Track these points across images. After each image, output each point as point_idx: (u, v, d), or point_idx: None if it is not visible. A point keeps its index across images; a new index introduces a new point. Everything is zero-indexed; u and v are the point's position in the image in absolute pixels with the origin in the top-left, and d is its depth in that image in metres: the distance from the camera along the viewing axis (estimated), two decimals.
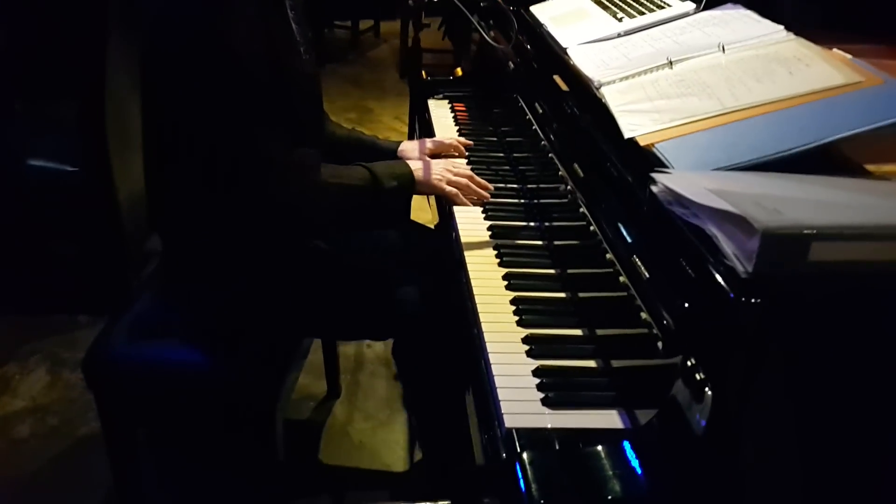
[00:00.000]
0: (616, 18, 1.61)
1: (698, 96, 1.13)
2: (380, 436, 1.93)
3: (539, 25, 1.68)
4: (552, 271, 1.26)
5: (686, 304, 0.76)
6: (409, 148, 1.67)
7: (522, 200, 1.51)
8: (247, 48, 1.16)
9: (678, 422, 0.77)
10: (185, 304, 1.37)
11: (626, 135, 1.09)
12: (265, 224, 1.26)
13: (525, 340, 1.07)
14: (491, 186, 1.49)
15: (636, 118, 1.13)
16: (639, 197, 0.98)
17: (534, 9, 1.79)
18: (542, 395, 0.96)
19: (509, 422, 0.91)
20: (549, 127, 1.37)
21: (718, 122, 1.05)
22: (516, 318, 1.12)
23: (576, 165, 1.17)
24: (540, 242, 1.35)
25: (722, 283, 0.70)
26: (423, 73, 2.19)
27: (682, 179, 0.87)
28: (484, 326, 1.10)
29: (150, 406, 1.41)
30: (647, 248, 0.91)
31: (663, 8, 1.54)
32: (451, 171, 1.48)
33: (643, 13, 1.55)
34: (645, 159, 1.04)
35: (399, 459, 1.86)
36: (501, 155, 1.71)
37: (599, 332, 1.09)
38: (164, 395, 1.37)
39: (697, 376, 0.74)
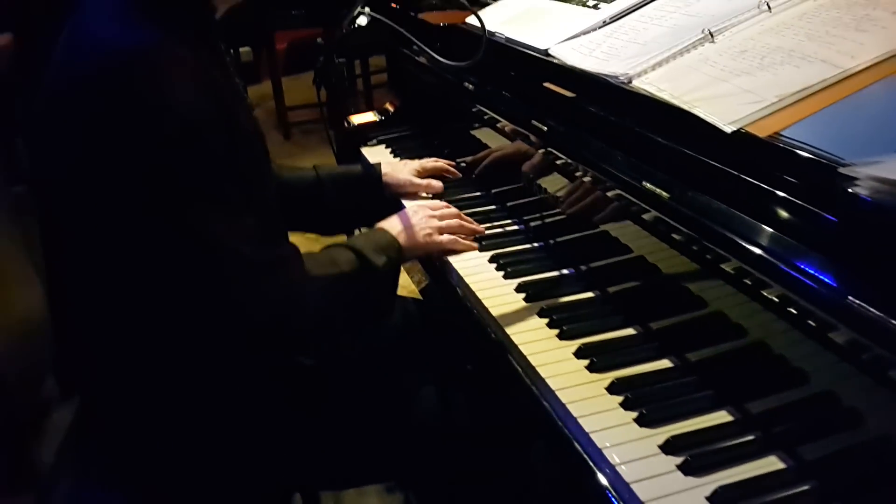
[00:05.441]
0: (588, 7, 1.33)
1: (792, 64, 0.84)
2: None
3: (491, 34, 1.38)
4: (632, 331, 0.93)
5: None
6: (397, 169, 1.36)
7: (535, 244, 1.18)
8: (194, 106, 0.77)
9: None
10: (127, 479, 0.93)
11: (727, 129, 0.79)
12: (237, 348, 0.86)
13: (666, 449, 0.73)
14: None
15: (721, 106, 0.83)
16: (805, 210, 0.68)
17: (472, 20, 1.49)
18: None
19: None
20: (574, 144, 1.05)
21: (847, 91, 0.78)
22: (633, 414, 0.78)
23: (648, 185, 0.86)
24: (592, 294, 1.03)
25: None
26: (344, 122, 1.84)
27: None
28: (595, 438, 0.75)
29: None
30: (870, 285, 0.59)
31: None
32: (434, 216, 1.14)
33: None
34: (771, 156, 0.75)
35: None
36: (479, 194, 1.38)
37: (752, 406, 0.77)
38: None
39: None
